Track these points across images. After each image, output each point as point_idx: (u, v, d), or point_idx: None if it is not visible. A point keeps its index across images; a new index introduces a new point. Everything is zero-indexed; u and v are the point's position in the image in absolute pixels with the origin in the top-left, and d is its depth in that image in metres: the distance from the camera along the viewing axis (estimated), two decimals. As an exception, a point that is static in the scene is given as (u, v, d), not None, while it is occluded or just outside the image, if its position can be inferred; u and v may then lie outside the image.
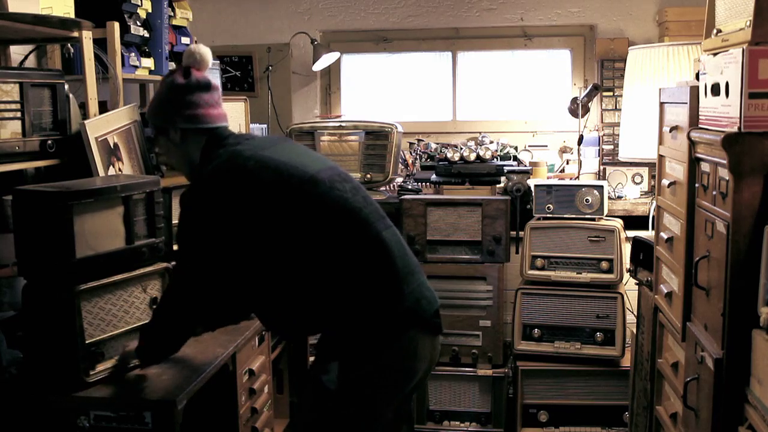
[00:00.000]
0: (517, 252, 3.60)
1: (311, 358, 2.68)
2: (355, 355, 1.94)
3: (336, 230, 1.95)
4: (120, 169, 2.63)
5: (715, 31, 2.14)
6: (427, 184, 3.76)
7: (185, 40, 3.55)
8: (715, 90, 2.00)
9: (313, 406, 2.00)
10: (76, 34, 2.54)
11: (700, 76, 2.15)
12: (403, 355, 1.96)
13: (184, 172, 2.23)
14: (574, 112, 3.84)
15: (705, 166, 2.11)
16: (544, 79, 4.36)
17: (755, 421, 1.74)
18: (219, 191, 1.97)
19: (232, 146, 2.06)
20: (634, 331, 3.06)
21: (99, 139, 2.54)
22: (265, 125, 4.19)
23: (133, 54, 2.99)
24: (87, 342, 2.12)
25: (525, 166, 3.87)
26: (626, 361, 3.35)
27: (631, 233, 3.33)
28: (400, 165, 3.99)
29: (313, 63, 4.20)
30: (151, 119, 2.20)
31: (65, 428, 2.06)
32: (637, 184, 3.90)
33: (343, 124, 3.92)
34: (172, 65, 3.29)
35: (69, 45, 2.79)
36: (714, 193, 2.00)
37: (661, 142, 2.61)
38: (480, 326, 3.55)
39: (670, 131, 2.45)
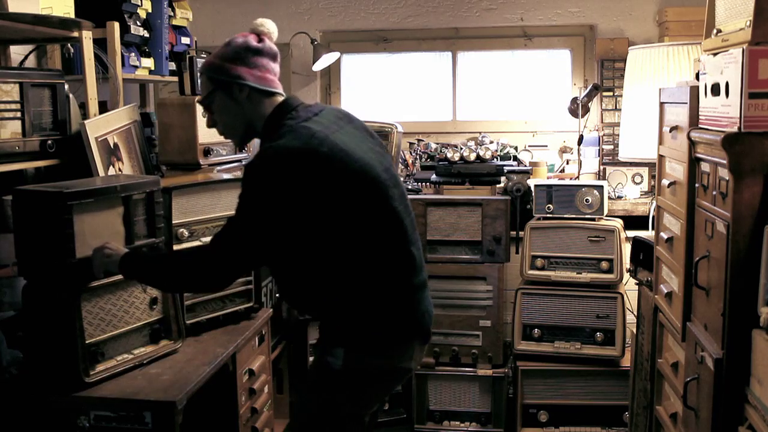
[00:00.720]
0: (517, 252, 3.60)
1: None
2: (362, 347, 2.04)
3: (379, 236, 2.02)
4: (120, 169, 2.63)
5: (715, 31, 2.14)
6: (427, 184, 3.76)
7: (185, 40, 3.55)
8: (715, 90, 2.00)
9: (314, 382, 2.10)
10: (76, 34, 2.54)
11: (700, 76, 2.15)
12: (403, 357, 2.10)
13: (235, 134, 2.15)
14: (574, 112, 3.84)
15: (705, 166, 2.11)
16: (544, 79, 4.36)
17: (755, 421, 1.74)
18: (289, 170, 1.92)
19: (303, 120, 2.02)
20: (634, 331, 3.06)
21: (99, 139, 2.54)
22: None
23: (133, 54, 2.99)
24: (87, 342, 2.12)
25: (525, 166, 3.87)
26: (626, 361, 3.35)
27: (631, 233, 3.33)
28: (400, 165, 3.99)
29: (313, 63, 4.20)
30: (214, 73, 2.08)
31: (65, 428, 2.06)
32: (637, 184, 3.90)
33: (343, 124, 3.91)
34: (172, 65, 3.30)
35: (69, 45, 2.79)
36: (714, 193, 2.00)
37: (661, 142, 2.61)
38: (480, 326, 3.55)
39: (670, 131, 2.44)
